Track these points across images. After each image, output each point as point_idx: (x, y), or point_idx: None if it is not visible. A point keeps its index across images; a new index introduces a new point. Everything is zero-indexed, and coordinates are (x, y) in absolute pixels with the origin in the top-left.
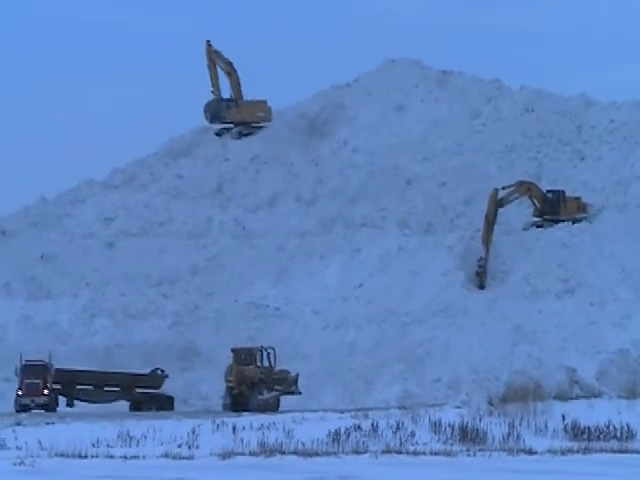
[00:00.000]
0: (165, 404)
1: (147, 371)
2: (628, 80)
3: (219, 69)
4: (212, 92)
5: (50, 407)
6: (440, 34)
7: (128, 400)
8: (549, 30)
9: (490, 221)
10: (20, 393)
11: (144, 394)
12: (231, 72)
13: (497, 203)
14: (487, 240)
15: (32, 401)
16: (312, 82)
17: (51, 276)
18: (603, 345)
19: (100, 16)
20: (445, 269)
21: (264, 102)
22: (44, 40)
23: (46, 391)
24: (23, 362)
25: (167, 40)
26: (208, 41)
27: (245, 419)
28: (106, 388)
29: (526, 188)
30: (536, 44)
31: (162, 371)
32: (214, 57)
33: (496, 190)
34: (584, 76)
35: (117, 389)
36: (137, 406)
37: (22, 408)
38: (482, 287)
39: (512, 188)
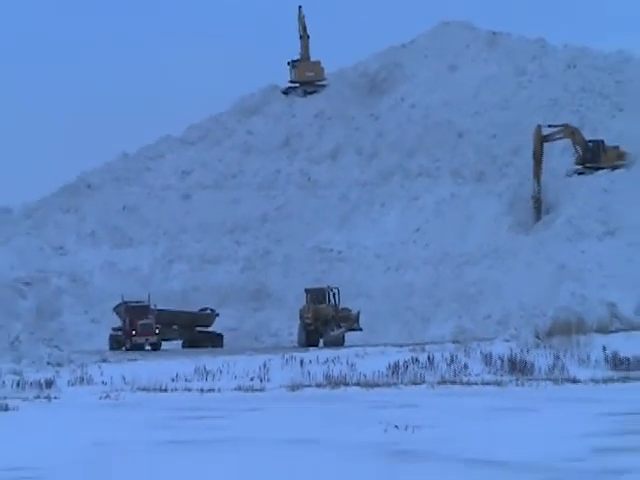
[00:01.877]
0: (216, 341)
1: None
2: None
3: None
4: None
5: (158, 346)
6: None
7: (188, 338)
8: None
9: (537, 157)
10: (134, 333)
11: (199, 332)
12: (303, 35)
13: (541, 139)
14: (537, 175)
15: (146, 340)
16: (372, 43)
17: (132, 226)
18: None
19: None
20: (495, 214)
21: (316, 63)
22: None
23: (157, 331)
24: (125, 304)
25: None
26: (300, 6)
27: (312, 354)
28: (173, 326)
29: (570, 132)
30: (578, 4)
31: (212, 310)
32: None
33: (539, 126)
34: (623, 34)
35: (179, 327)
36: (192, 344)
37: (135, 347)
38: (539, 219)
39: (557, 128)
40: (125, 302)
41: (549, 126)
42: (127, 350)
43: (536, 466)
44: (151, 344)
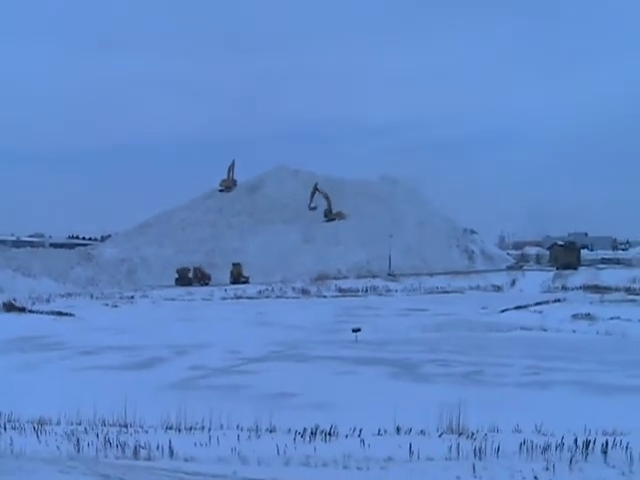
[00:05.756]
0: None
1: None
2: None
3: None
4: (227, 175)
5: (208, 284)
6: (296, 151)
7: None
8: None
9: (312, 194)
10: (202, 278)
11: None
12: (233, 170)
13: (316, 189)
14: (311, 200)
15: (205, 283)
16: (253, 170)
17: (167, 240)
18: (349, 260)
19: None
20: (297, 235)
21: (234, 179)
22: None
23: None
24: (194, 269)
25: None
26: (234, 159)
27: (231, 287)
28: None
29: (326, 196)
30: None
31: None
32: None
33: (317, 182)
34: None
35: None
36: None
37: (199, 285)
38: (315, 209)
39: (322, 190)
40: (184, 268)
41: (319, 187)
42: (198, 286)
43: (313, 327)
44: (205, 284)
